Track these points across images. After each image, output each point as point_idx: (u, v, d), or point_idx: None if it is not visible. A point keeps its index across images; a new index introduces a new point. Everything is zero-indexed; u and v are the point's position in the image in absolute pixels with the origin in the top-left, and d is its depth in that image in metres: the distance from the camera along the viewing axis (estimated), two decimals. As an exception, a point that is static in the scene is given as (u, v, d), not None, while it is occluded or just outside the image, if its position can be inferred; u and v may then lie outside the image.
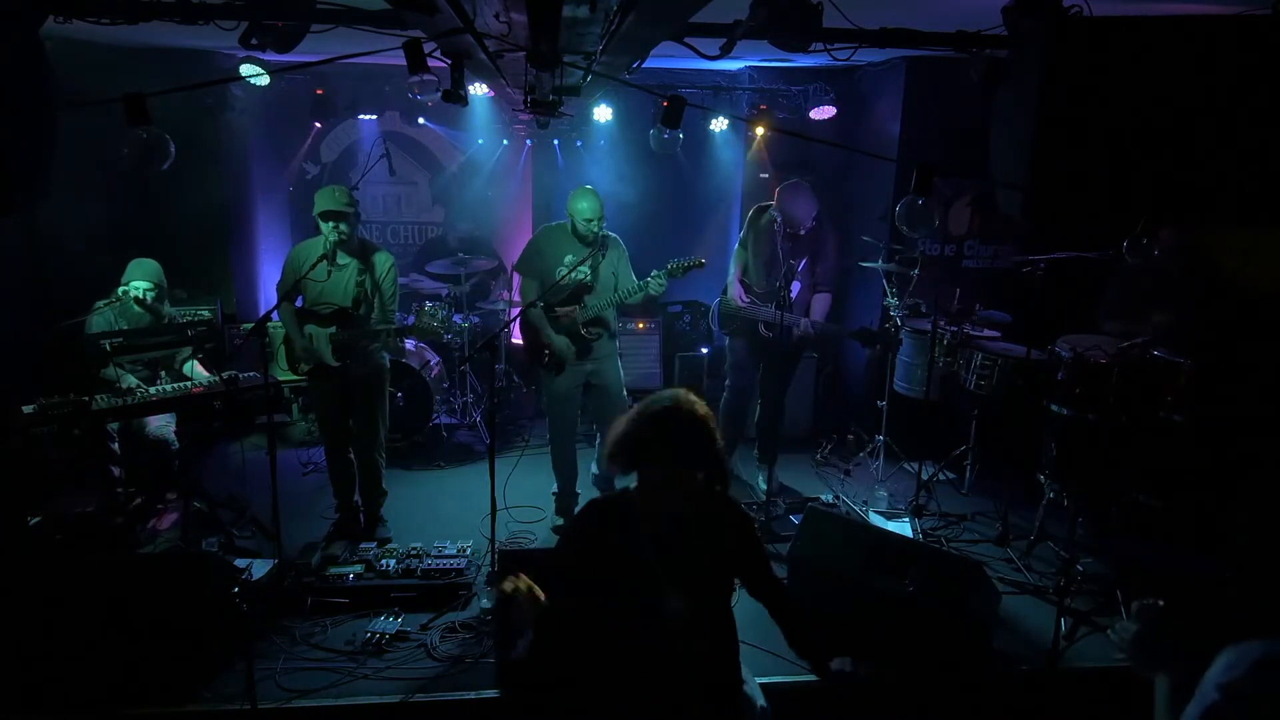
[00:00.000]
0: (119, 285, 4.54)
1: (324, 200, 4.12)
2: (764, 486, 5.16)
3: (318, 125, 7.05)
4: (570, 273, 4.37)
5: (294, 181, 7.41)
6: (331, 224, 4.10)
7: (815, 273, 5.00)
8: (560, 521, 4.86)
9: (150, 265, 4.59)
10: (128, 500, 4.51)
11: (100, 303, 4.56)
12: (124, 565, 3.69)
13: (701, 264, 4.45)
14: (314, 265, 4.10)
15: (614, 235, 4.62)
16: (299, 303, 4.37)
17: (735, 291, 5.09)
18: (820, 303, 5.03)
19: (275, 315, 4.11)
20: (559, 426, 4.76)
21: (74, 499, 4.44)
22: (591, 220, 4.35)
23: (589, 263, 4.45)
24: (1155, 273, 4.71)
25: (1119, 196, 2.61)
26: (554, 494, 4.92)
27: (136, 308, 4.53)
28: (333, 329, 4.25)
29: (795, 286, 4.92)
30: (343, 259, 4.24)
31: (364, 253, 4.31)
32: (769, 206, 5.00)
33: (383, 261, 4.33)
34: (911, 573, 3.53)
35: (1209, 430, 4.27)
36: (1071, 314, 4.94)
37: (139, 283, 4.52)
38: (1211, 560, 4.23)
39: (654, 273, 4.38)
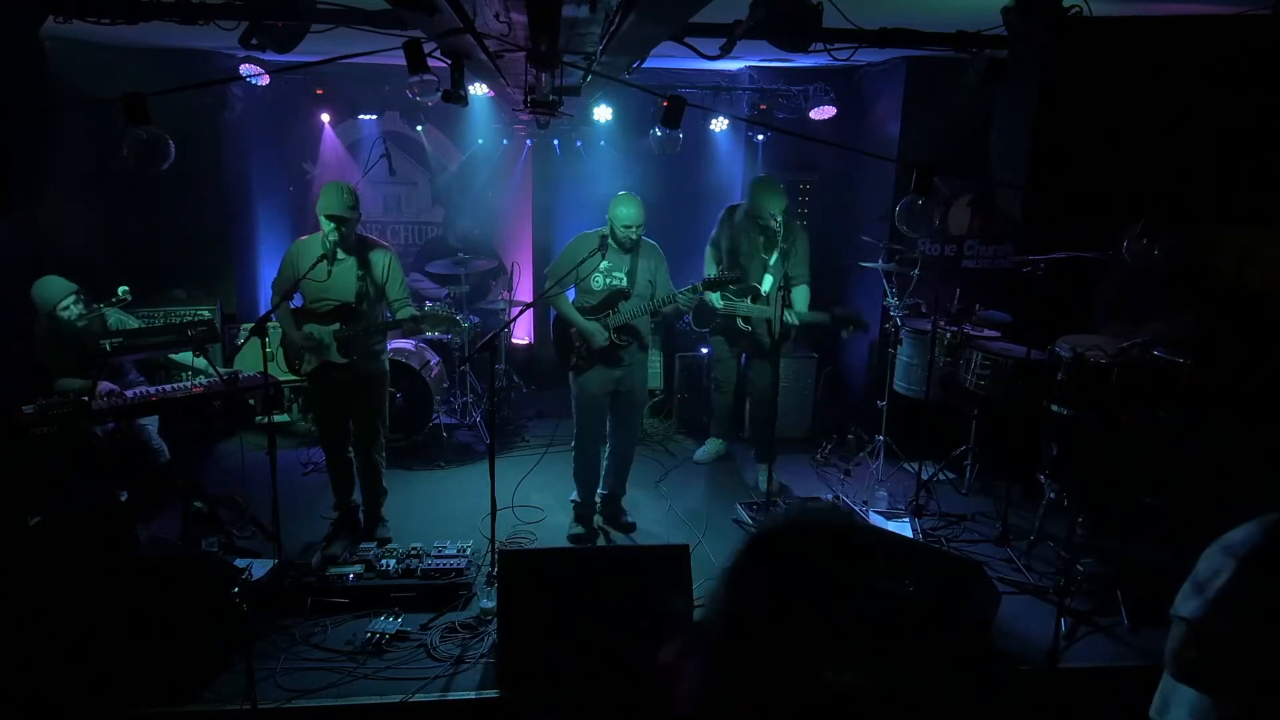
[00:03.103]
0: (42, 312, 4.45)
1: (329, 201, 4.06)
2: (764, 486, 5.17)
3: (326, 119, 7.03)
4: (606, 278, 4.42)
5: (294, 181, 7.41)
6: (333, 225, 4.07)
7: (786, 266, 5.06)
8: (580, 530, 4.74)
9: (65, 287, 4.48)
10: (127, 501, 4.51)
11: (43, 335, 4.47)
12: (124, 565, 3.69)
13: (739, 280, 4.60)
14: (313, 266, 4.09)
15: (652, 242, 4.56)
16: (297, 301, 4.32)
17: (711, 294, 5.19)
18: (800, 295, 5.07)
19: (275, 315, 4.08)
20: (585, 434, 4.64)
21: (74, 499, 4.43)
22: (631, 227, 4.32)
23: (625, 268, 4.43)
24: (1155, 273, 4.71)
25: (1119, 196, 2.61)
26: (573, 501, 4.84)
27: (80, 324, 4.45)
28: (336, 325, 4.20)
29: (768, 281, 5.05)
30: (341, 255, 4.19)
31: (362, 250, 4.27)
32: (740, 205, 5.17)
33: (379, 260, 4.29)
34: (911, 573, 3.53)
35: (1209, 430, 4.27)
36: (1071, 314, 4.94)
37: (65, 314, 4.43)
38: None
39: (691, 284, 4.41)
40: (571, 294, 4.53)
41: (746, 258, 5.10)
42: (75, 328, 4.45)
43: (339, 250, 4.14)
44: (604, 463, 4.78)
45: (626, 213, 4.31)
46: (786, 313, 4.83)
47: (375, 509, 4.61)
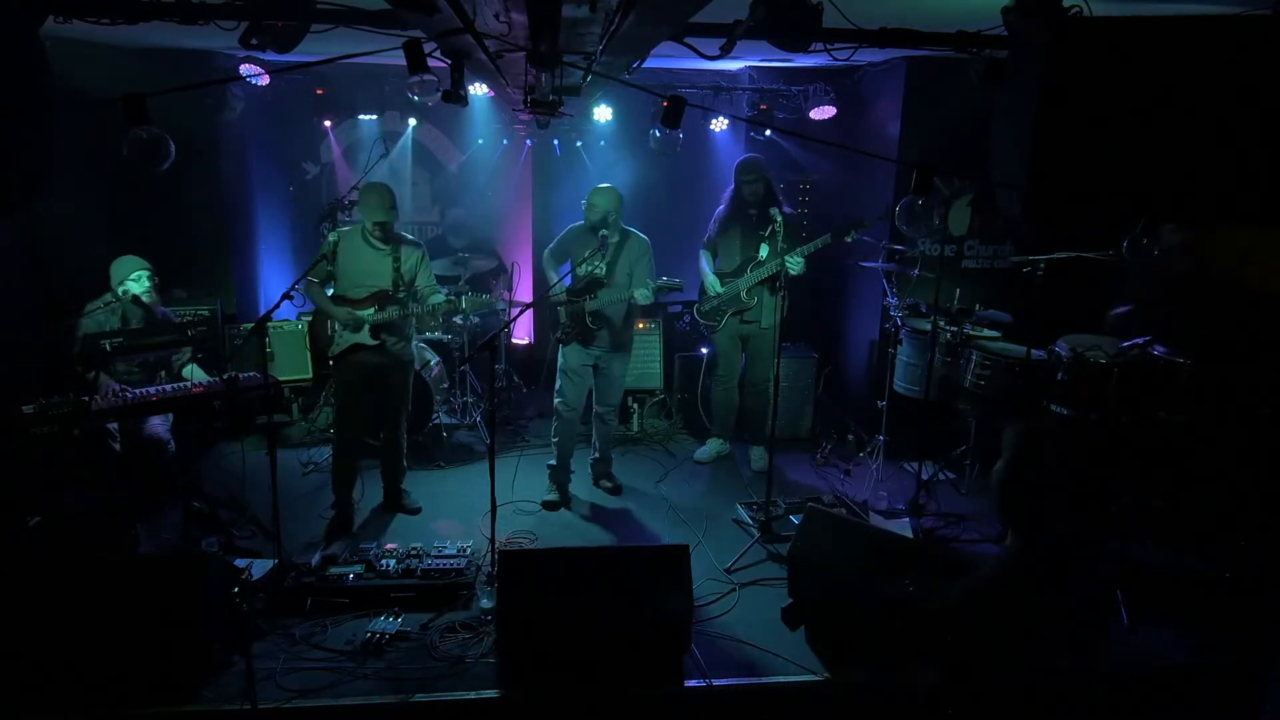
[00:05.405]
0: (111, 287, 4.52)
1: (373, 210, 4.39)
2: (755, 467, 5.50)
3: (328, 123, 7.03)
4: (585, 265, 4.78)
5: (294, 181, 7.40)
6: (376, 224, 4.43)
7: (779, 243, 5.16)
8: (553, 497, 5.07)
9: (139, 262, 4.58)
10: (128, 501, 4.50)
11: (92, 305, 4.51)
12: (124, 565, 3.69)
13: (681, 286, 4.86)
14: (351, 258, 4.45)
15: (638, 233, 4.88)
16: (328, 291, 4.60)
17: (710, 281, 5.51)
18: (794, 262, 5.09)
19: (276, 314, 4.03)
20: (564, 397, 5.01)
21: (74, 499, 4.43)
22: (597, 214, 4.67)
23: (604, 257, 4.74)
24: (1155, 273, 4.71)
25: (1119, 196, 2.61)
26: (549, 465, 5.18)
27: (135, 307, 4.52)
28: (371, 310, 4.45)
29: (764, 249, 5.33)
30: (380, 246, 4.50)
31: (397, 243, 4.55)
32: (723, 199, 5.55)
33: (408, 255, 4.56)
34: (911, 573, 3.52)
35: (1209, 430, 4.27)
36: (1071, 314, 4.93)
37: (133, 284, 4.51)
38: (1211, 560, 4.24)
39: (647, 281, 4.71)
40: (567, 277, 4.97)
41: (740, 237, 5.41)
42: (140, 305, 4.53)
43: (380, 241, 4.47)
44: (576, 440, 5.19)
45: (599, 201, 4.70)
46: (788, 260, 4.96)
47: (398, 482, 4.92)
